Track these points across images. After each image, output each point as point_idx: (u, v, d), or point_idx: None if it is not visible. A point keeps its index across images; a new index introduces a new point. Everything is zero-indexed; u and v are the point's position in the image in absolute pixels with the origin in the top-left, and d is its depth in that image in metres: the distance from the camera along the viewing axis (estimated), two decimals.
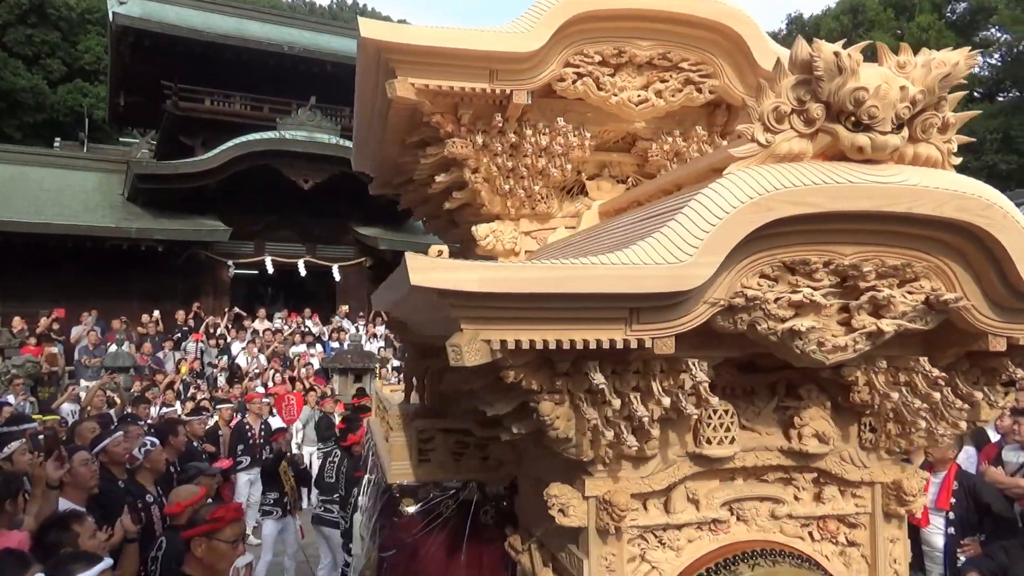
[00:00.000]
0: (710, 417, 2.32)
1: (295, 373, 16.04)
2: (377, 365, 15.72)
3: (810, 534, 2.53)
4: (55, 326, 15.76)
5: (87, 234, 16.43)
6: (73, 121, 31.21)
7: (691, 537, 2.40)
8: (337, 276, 20.27)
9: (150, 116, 22.07)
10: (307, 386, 15.23)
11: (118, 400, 10.92)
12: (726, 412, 2.35)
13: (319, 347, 17.50)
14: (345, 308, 19.36)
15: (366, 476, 4.34)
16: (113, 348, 14.52)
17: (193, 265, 18.77)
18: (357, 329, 18.32)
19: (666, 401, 2.08)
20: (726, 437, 2.34)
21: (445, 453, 3.47)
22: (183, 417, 8.99)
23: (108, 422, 7.62)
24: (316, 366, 16.23)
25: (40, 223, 15.94)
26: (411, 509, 3.32)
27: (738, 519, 2.44)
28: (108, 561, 2.84)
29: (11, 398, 11.00)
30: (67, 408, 10.79)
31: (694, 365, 2.08)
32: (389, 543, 3.28)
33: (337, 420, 9.63)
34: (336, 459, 7.35)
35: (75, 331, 15.82)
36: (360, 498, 4.33)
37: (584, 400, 2.08)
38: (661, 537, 2.38)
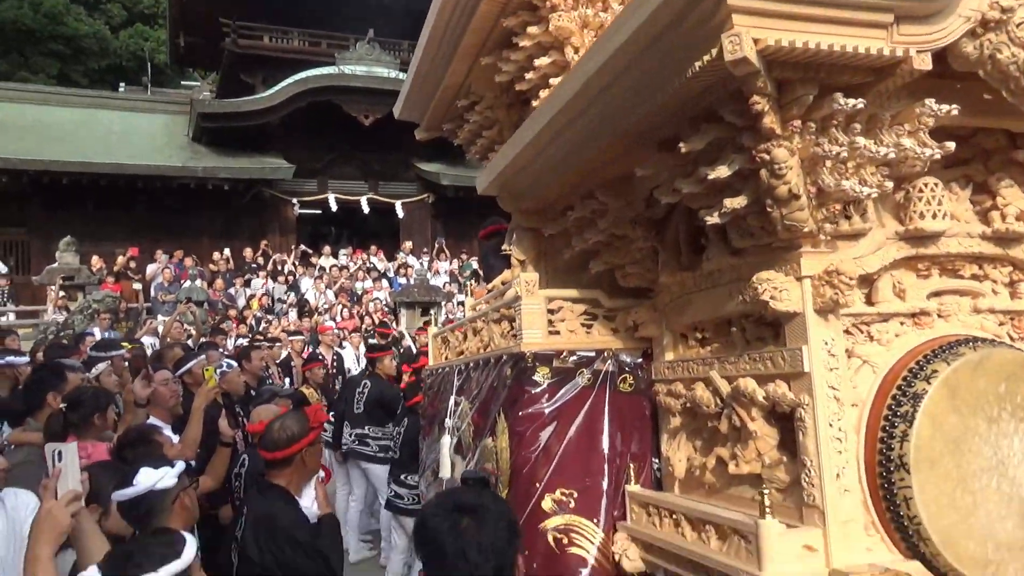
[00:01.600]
0: (921, 190, 2.35)
1: (363, 308, 16.09)
2: (443, 299, 15.65)
3: (1008, 334, 2.50)
4: (132, 264, 16.06)
5: (156, 174, 16.55)
6: (136, 66, 31.45)
7: (898, 332, 2.39)
8: (400, 213, 20.10)
9: (210, 56, 22.00)
10: (375, 321, 15.26)
11: (194, 332, 11.01)
12: (936, 185, 2.35)
13: (385, 283, 17.48)
14: (409, 244, 19.24)
15: (452, 398, 4.09)
16: (187, 284, 14.70)
17: (259, 204, 18.82)
18: (422, 264, 18.20)
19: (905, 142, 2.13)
20: (939, 211, 2.35)
21: (574, 323, 3.19)
22: (260, 345, 8.97)
23: (190, 349, 7.64)
24: (384, 301, 16.23)
25: (111, 163, 16.09)
26: (544, 378, 3.05)
27: (939, 316, 2.43)
28: (180, 465, 2.66)
29: (96, 330, 11.21)
30: (147, 341, 10.92)
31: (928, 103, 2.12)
32: (524, 416, 3.03)
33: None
34: (366, 389, 6.95)
35: (150, 269, 16.07)
36: (448, 420, 4.08)
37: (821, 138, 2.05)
38: (869, 330, 2.37)
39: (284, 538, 2.72)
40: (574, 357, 3.11)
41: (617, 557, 2.89)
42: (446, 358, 4.80)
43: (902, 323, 2.41)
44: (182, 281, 15.41)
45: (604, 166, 2.88)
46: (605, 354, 3.13)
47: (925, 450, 2.15)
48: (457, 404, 4.03)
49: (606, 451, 3.03)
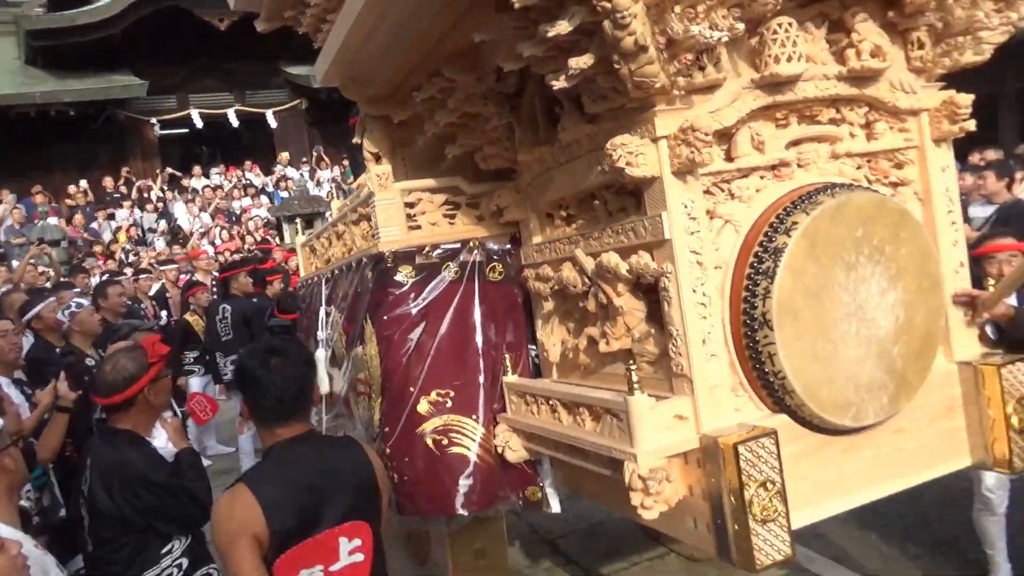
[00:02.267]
0: (775, 32, 2.19)
1: (243, 228, 15.31)
2: (327, 210, 15.03)
3: (865, 177, 2.47)
4: None
5: None
6: None
7: (758, 186, 2.30)
8: (272, 123, 18.97)
9: None
10: (257, 239, 14.56)
11: (52, 274, 10.15)
12: (791, 26, 2.20)
13: (265, 199, 16.65)
14: (286, 155, 18.30)
15: (322, 309, 3.85)
16: (39, 223, 13.51)
17: (114, 128, 17.32)
18: (302, 175, 17.39)
19: None
20: (794, 53, 2.21)
21: (436, 215, 2.99)
22: (119, 279, 8.35)
23: (39, 292, 7.01)
24: (264, 218, 15.48)
25: None
26: (408, 277, 2.86)
27: (799, 166, 2.36)
28: None
29: None
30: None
31: None
32: (390, 319, 2.84)
33: None
34: (226, 313, 6.60)
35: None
36: (320, 332, 3.85)
37: None
38: (730, 188, 2.27)
39: (139, 482, 2.49)
40: (438, 251, 2.92)
41: (500, 450, 2.82)
42: (315, 267, 4.53)
43: (762, 177, 2.32)
44: (35, 221, 14.16)
45: (445, 37, 2.61)
46: (471, 244, 2.95)
47: (787, 304, 2.10)
48: (328, 314, 3.81)
49: (480, 345, 2.90)
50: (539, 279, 2.77)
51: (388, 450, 2.82)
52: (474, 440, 2.82)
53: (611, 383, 2.50)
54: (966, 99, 2.47)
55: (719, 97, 2.21)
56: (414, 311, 2.87)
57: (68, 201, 15.50)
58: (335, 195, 16.91)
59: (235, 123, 18.63)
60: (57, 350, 4.90)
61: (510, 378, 2.87)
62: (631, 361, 2.24)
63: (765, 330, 2.11)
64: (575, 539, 4.72)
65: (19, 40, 16.64)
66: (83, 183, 15.93)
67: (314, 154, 18.72)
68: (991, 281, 2.57)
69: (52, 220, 14.06)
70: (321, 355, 3.76)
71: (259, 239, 14.46)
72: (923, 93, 2.51)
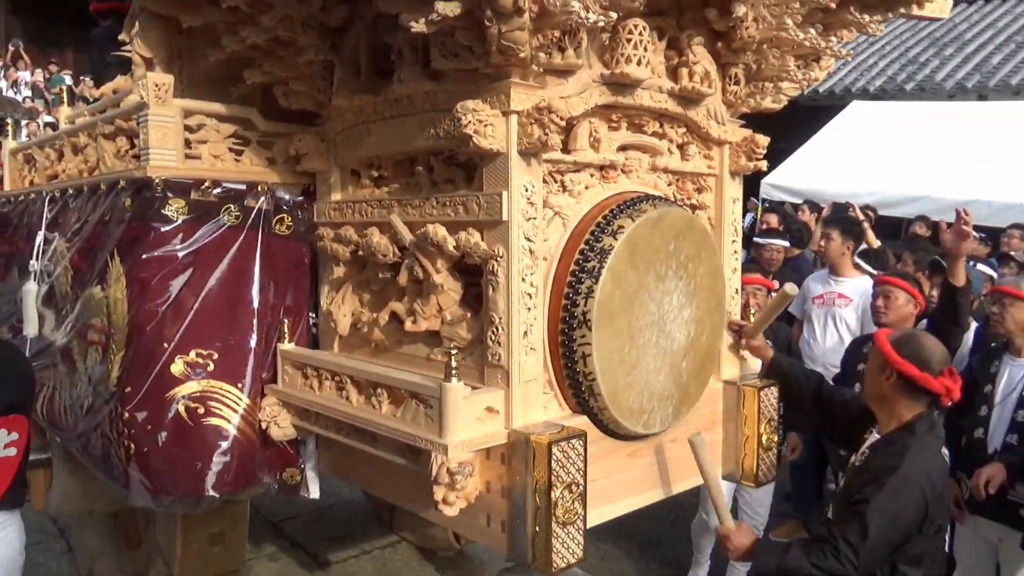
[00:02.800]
0: (631, 32, 2.16)
1: None
2: (22, 117, 12.66)
3: (673, 194, 2.56)
4: None
5: None
6: None
7: (588, 183, 2.28)
8: None
9: None
10: None
11: None
12: (644, 29, 2.19)
13: None
14: None
15: (41, 235, 3.18)
16: None
17: None
18: None
19: None
20: (644, 57, 2.21)
21: (220, 147, 2.57)
22: None
23: None
24: None
25: None
26: (178, 214, 2.40)
27: (623, 171, 2.38)
28: None
29: None
30: None
31: None
32: (149, 260, 2.37)
33: None
34: None
35: None
36: (33, 262, 3.19)
37: None
38: (563, 180, 2.22)
39: None
40: (219, 189, 2.50)
41: (264, 425, 2.50)
42: (31, 183, 3.71)
43: (592, 175, 2.30)
44: None
45: None
46: (259, 188, 2.57)
47: (606, 306, 2.10)
48: (48, 242, 3.12)
49: (255, 305, 2.54)
50: (337, 240, 2.49)
51: (126, 414, 2.36)
52: (236, 412, 2.46)
53: (407, 365, 2.33)
54: (764, 140, 2.67)
55: (571, 84, 2.15)
56: (181, 255, 2.43)
57: None
58: (35, 102, 14.34)
59: None
60: None
61: (286, 346, 2.56)
62: (449, 345, 2.09)
63: (583, 329, 2.08)
64: (302, 522, 4.43)
65: None
66: None
67: (11, 48, 15.68)
68: (752, 311, 2.82)
69: None
70: (32, 289, 3.08)
71: None
72: (729, 126, 2.67)
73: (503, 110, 1.99)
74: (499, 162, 2.02)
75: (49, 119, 14.37)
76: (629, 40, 2.18)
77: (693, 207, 2.65)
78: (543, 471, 1.91)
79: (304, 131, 2.62)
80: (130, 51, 2.84)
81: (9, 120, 4.68)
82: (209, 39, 2.65)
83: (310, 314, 2.70)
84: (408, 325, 2.23)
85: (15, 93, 14.39)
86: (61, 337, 2.90)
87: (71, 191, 2.97)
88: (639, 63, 2.20)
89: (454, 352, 1.94)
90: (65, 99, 4.03)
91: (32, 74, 15.56)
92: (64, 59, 16.93)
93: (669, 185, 2.57)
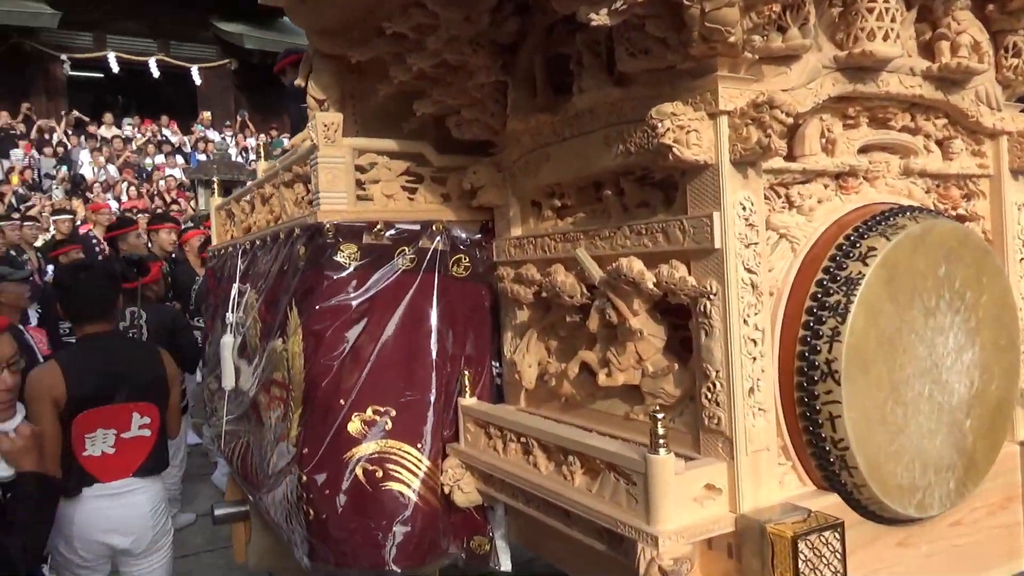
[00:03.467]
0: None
1: (153, 187, 14.10)
2: (248, 178, 14.00)
3: (934, 204, 2.04)
4: None
5: None
6: None
7: (821, 196, 1.82)
8: (197, 79, 17.65)
9: None
10: (167, 200, 13.41)
11: None
12: None
13: (180, 159, 15.41)
14: (208, 115, 17.06)
15: (235, 286, 3.17)
16: None
17: (18, 58, 15.68)
18: (223, 139, 16.22)
19: None
20: (892, 30, 1.72)
21: (393, 186, 2.38)
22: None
23: None
24: (178, 179, 14.30)
25: None
26: (351, 259, 2.23)
27: (866, 179, 1.90)
28: None
29: None
30: None
31: None
32: (323, 310, 2.21)
33: None
34: None
35: None
36: (229, 315, 3.17)
37: None
38: (788, 194, 1.79)
39: None
40: (392, 231, 2.31)
41: (447, 490, 2.24)
42: (231, 236, 3.82)
43: (826, 186, 1.84)
44: None
45: None
46: (433, 227, 2.35)
47: (858, 351, 1.61)
48: (241, 294, 3.13)
49: (434, 355, 2.31)
50: (518, 281, 2.20)
51: (304, 477, 2.19)
52: (416, 475, 2.22)
53: (603, 424, 1.96)
54: None
55: (796, 73, 1.71)
56: (355, 303, 2.25)
57: None
58: (257, 165, 15.87)
59: (156, 74, 17.24)
60: None
61: (468, 401, 2.29)
62: (653, 403, 1.71)
63: (829, 383, 1.61)
64: None
65: None
66: None
67: (238, 118, 17.54)
68: None
69: None
70: (228, 342, 3.08)
71: (170, 200, 13.32)
72: (1007, 112, 2.08)
73: (709, 111, 1.59)
74: (707, 176, 1.62)
75: None
76: (871, 9, 1.71)
77: (962, 218, 2.08)
78: (787, 571, 1.45)
79: (478, 162, 2.37)
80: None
81: (215, 179, 4.96)
82: (379, 75, 2.50)
83: (493, 363, 2.43)
84: (602, 378, 1.86)
85: (244, 159, 16.00)
86: (252, 391, 2.85)
87: (258, 242, 2.95)
88: (886, 37, 1.72)
89: (660, 415, 1.54)
90: (262, 154, 4.14)
91: (256, 140, 17.25)
92: (283, 124, 18.66)
93: (927, 192, 2.03)
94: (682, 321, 1.77)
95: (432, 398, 2.29)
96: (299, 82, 2.77)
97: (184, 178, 14.25)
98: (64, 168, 13.92)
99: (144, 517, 2.85)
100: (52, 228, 9.24)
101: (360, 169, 2.36)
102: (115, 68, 16.77)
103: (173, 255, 6.66)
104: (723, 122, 1.58)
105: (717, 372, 1.60)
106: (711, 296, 1.60)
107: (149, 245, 6.26)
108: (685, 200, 1.68)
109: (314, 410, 2.24)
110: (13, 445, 1.99)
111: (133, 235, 5.89)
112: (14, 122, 14.64)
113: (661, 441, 1.52)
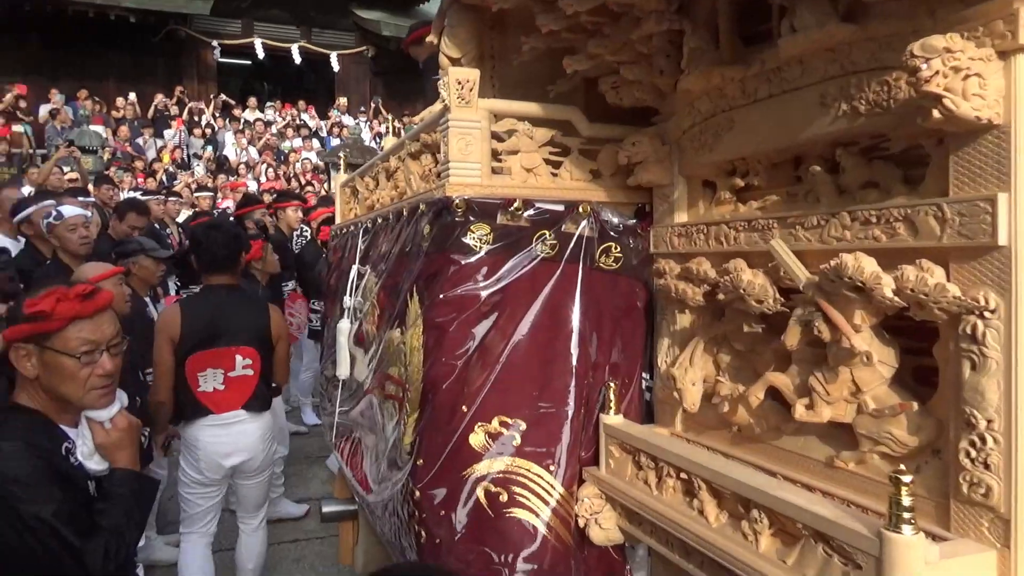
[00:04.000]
0: None
1: (290, 169, 14.52)
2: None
3: None
4: (21, 103, 13.96)
5: None
6: None
7: None
8: (336, 66, 18.05)
9: None
10: (303, 182, 13.76)
11: (79, 179, 9.38)
12: None
13: (316, 143, 15.81)
14: (343, 101, 17.40)
15: (354, 268, 2.91)
16: (79, 128, 12.82)
17: (174, 45, 16.55)
18: (357, 124, 16.51)
19: None
20: None
21: (534, 158, 2.01)
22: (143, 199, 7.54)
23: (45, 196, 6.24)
24: (313, 161, 14.66)
25: None
26: (482, 242, 1.89)
27: None
28: None
29: None
30: (26, 191, 9.25)
31: None
32: (448, 300, 1.89)
33: None
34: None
35: (43, 110, 14.03)
36: (347, 298, 2.91)
37: None
38: None
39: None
40: (531, 211, 1.95)
41: (582, 523, 1.86)
42: (354, 214, 3.60)
43: None
44: (84, 125, 13.52)
45: None
46: (579, 209, 1.97)
47: None
48: (360, 276, 2.87)
49: (574, 361, 1.93)
50: (684, 278, 1.78)
51: (417, 493, 1.88)
52: (547, 503, 1.86)
53: (792, 468, 1.52)
54: None
55: None
56: (484, 294, 1.90)
57: (115, 112, 14.81)
58: None
59: (298, 60, 17.75)
60: (48, 262, 4.10)
61: (612, 419, 1.90)
62: (871, 449, 1.25)
63: None
64: None
65: None
66: (132, 96, 15.19)
67: (372, 105, 17.83)
68: None
69: (96, 128, 13.38)
70: (344, 327, 2.84)
71: (305, 182, 13.65)
72: None
73: (1000, 48, 1.12)
74: (988, 142, 1.15)
75: None
76: None
77: None
78: None
79: (639, 133, 1.97)
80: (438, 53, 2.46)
81: (341, 154, 4.80)
82: (521, 31, 2.15)
83: (643, 375, 2.02)
84: (799, 411, 1.42)
85: (376, 144, 16.24)
86: (367, 383, 2.58)
87: (380, 220, 2.67)
88: None
89: (907, 478, 1.09)
90: (391, 130, 3.92)
91: (390, 126, 17.49)
92: (415, 112, 18.87)
93: None
94: (916, 343, 1.30)
95: (569, 412, 1.91)
96: (431, 38, 2.45)
97: (319, 161, 14.56)
98: (210, 148, 14.56)
99: (254, 443, 3.20)
100: (196, 204, 9.58)
101: (497, 137, 2.01)
102: (261, 54, 17.39)
103: (300, 232, 6.64)
104: (1022, 63, 1.11)
105: (989, 422, 1.13)
106: (985, 313, 1.14)
107: (275, 222, 6.22)
108: (944, 178, 1.22)
109: (432, 416, 1.92)
110: (107, 438, 1.77)
111: (258, 213, 5.89)
112: (170, 102, 15.45)
113: (907, 515, 1.07)
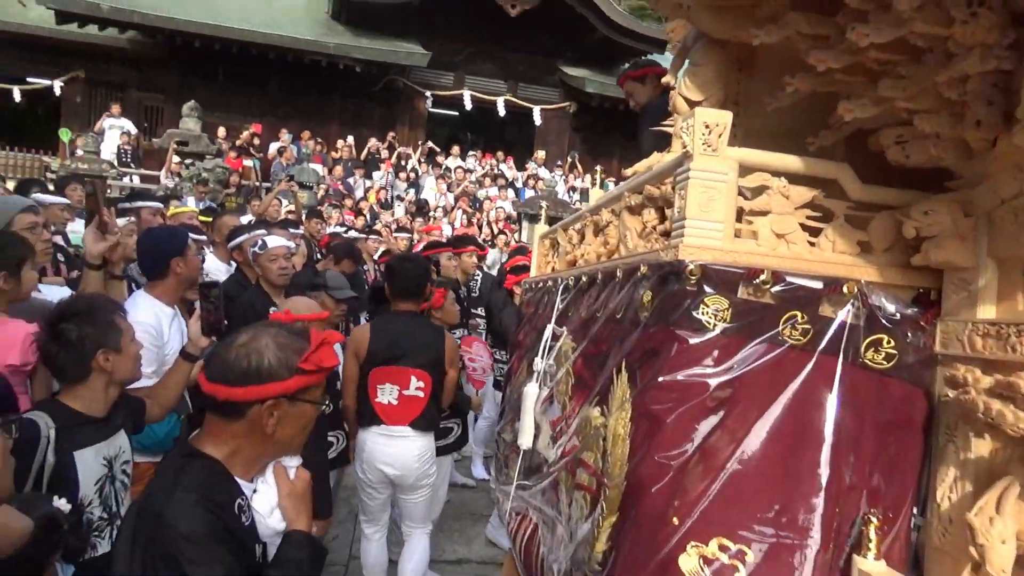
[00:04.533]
0: None
1: (483, 216, 14.88)
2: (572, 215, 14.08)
3: None
4: (255, 141, 15.50)
5: (286, 45, 15.65)
6: None
7: None
8: (538, 120, 18.49)
9: None
10: (494, 230, 14.01)
11: (293, 211, 10.08)
12: None
13: (511, 192, 16.14)
14: (542, 154, 17.73)
15: (549, 327, 2.64)
16: (300, 166, 13.92)
17: (391, 94, 17.77)
18: (553, 177, 16.69)
19: None
20: None
21: (788, 222, 1.65)
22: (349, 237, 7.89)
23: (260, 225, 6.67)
24: (507, 211, 14.92)
25: (242, 30, 15.33)
26: (716, 319, 1.55)
27: None
28: None
29: (190, 200, 10.54)
30: (245, 219, 10.08)
31: None
32: (668, 385, 1.56)
33: None
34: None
35: (272, 147, 15.47)
36: (538, 360, 2.64)
37: None
38: None
39: (166, 560, 1.40)
40: (780, 286, 1.58)
41: None
42: (552, 268, 3.36)
43: None
44: (304, 163, 14.73)
45: None
46: (844, 289, 1.57)
47: None
48: (555, 338, 2.60)
49: (823, 480, 1.52)
50: (1000, 395, 1.33)
51: None
52: None
53: None
54: None
55: None
56: (713, 383, 1.55)
57: (334, 153, 16.02)
58: (582, 205, 16.04)
59: (502, 112, 18.38)
60: (251, 288, 4.27)
61: (873, 565, 1.46)
62: None
63: None
64: None
65: None
66: (350, 139, 16.42)
67: (569, 159, 18.00)
68: None
69: (315, 166, 14.49)
70: (532, 392, 2.57)
71: (497, 230, 13.90)
72: None
73: None
74: None
75: None
76: None
77: None
78: None
79: (933, 200, 1.55)
80: (670, 125, 2.17)
81: (543, 204, 4.67)
82: (776, 74, 1.80)
83: (912, 510, 1.56)
84: None
85: (569, 198, 16.30)
86: (551, 462, 2.29)
87: (584, 279, 2.39)
88: None
89: None
90: (598, 182, 3.76)
91: (582, 181, 17.54)
92: (610, 168, 18.84)
93: None
94: None
95: (814, 546, 1.49)
96: (668, 79, 2.17)
97: (512, 211, 14.81)
98: (412, 191, 15.30)
99: (411, 459, 3.53)
100: (393, 243, 9.95)
101: (743, 194, 1.67)
102: (468, 106, 18.20)
103: (472, 276, 6.61)
104: None
105: None
106: None
107: (455, 267, 6.22)
108: None
109: (635, 523, 1.57)
110: (293, 490, 1.62)
111: (444, 256, 5.93)
112: (381, 146, 16.49)
113: None
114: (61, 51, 16.12)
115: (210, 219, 6.19)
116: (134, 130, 15.34)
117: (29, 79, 16.38)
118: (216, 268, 4.81)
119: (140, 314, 3.04)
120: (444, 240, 7.22)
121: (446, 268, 5.68)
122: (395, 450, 3.54)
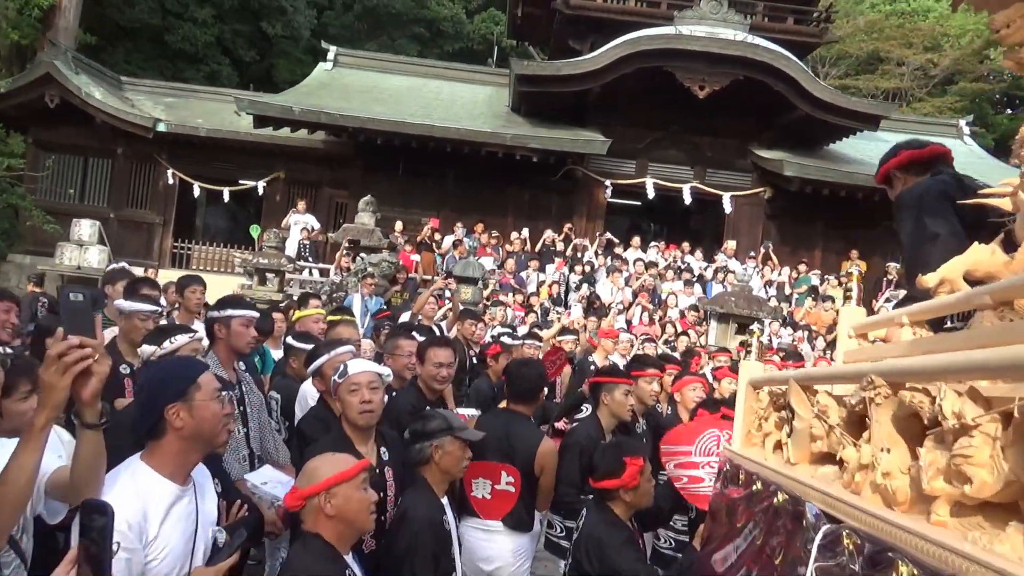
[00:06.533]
0: None
1: (665, 314, 13.32)
2: (767, 315, 12.17)
3: None
4: (436, 236, 15.21)
5: (464, 138, 15.38)
6: (485, 49, 31.93)
7: None
8: (728, 207, 16.80)
9: (546, 27, 20.71)
10: (677, 330, 12.38)
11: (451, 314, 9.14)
12: None
13: (698, 288, 14.47)
14: (732, 245, 15.95)
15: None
16: (464, 260, 13.21)
17: (569, 183, 16.97)
18: (746, 270, 14.82)
19: None
20: None
21: None
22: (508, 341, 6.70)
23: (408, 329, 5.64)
24: (690, 307, 13.26)
25: (422, 125, 15.29)
26: None
27: None
28: None
29: (357, 296, 10.00)
30: (404, 317, 9.33)
31: None
32: None
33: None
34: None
35: (446, 241, 15.06)
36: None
37: None
38: None
39: None
40: None
41: None
42: (766, 445, 1.89)
43: None
44: (479, 256, 14.10)
45: None
46: None
47: None
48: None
49: None
50: None
51: None
52: None
53: None
54: None
55: None
56: None
57: (508, 247, 15.31)
58: (779, 303, 14.01)
59: (688, 200, 16.93)
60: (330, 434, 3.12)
61: None
62: None
63: None
64: None
65: (511, 87, 17.34)
66: (525, 231, 15.67)
67: (763, 249, 16.07)
68: None
69: (484, 259, 13.78)
70: None
71: (679, 330, 12.27)
72: None
73: None
74: None
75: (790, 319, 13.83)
76: None
77: None
78: None
79: None
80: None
81: (755, 328, 3.25)
82: None
83: None
84: None
85: (765, 294, 14.39)
86: None
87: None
88: None
89: None
90: (854, 294, 2.21)
91: (779, 274, 15.52)
92: (812, 259, 16.65)
93: None
94: None
95: None
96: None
97: (699, 308, 13.14)
98: (586, 286, 14.10)
99: (505, 555, 3.59)
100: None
101: None
102: (651, 194, 16.95)
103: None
104: None
105: None
106: None
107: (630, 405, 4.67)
108: None
109: None
110: None
111: (620, 391, 4.21)
112: (557, 238, 15.57)
113: None
114: (265, 154, 17.01)
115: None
116: (317, 225, 15.59)
117: (241, 181, 17.42)
118: (313, 396, 3.73)
119: (116, 496, 1.96)
120: (616, 369, 5.25)
121: (620, 404, 4.08)
122: (490, 545, 3.60)
